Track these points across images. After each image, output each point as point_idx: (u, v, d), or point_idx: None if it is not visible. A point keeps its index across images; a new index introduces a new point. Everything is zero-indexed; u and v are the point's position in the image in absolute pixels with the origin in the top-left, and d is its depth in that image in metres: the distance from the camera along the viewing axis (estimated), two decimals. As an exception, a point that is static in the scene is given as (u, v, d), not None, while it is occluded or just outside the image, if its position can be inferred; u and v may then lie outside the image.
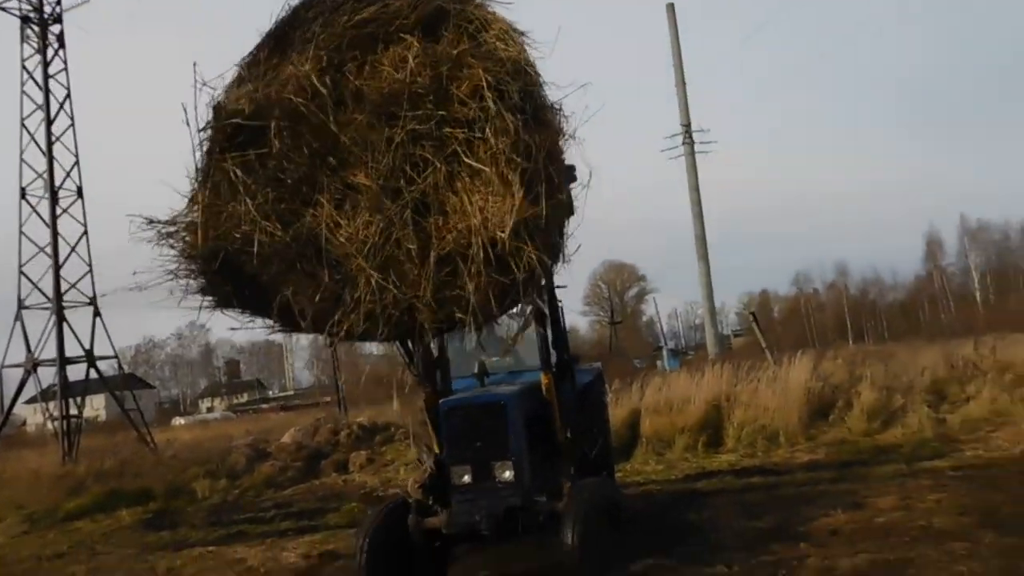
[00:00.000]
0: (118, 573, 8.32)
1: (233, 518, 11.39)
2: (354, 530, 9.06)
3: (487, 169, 3.72)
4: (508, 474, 5.42)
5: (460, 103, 3.72)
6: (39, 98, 21.75)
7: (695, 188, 29.81)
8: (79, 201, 21.83)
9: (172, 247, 3.99)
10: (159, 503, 13.42)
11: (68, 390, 21.34)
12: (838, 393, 14.16)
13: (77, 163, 21.96)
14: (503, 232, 3.63)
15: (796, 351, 18.25)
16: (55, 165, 21.54)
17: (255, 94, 3.62)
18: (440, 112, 3.74)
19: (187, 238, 3.87)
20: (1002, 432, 11.49)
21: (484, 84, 3.70)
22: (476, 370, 6.17)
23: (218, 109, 3.79)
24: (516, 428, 5.50)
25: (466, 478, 5.47)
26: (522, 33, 3.90)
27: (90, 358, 21.56)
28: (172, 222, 3.98)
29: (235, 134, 3.75)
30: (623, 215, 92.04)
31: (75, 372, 21.90)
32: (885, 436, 12.10)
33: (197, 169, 3.87)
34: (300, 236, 3.78)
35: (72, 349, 21.35)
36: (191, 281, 4.09)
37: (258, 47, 3.87)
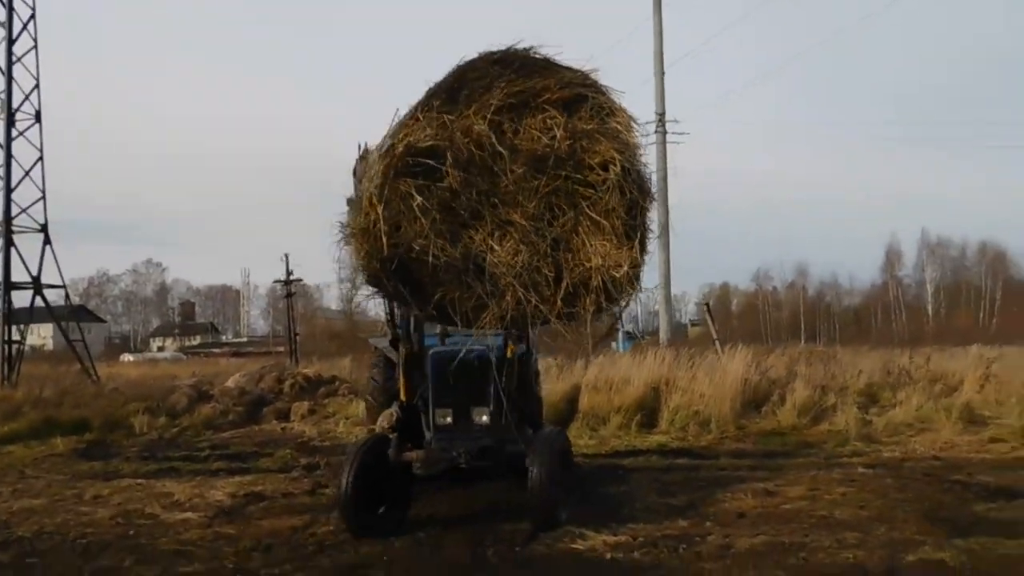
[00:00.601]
0: (43, 496, 8.33)
1: (167, 455, 11.45)
2: (284, 475, 9.33)
3: (605, 222, 4.90)
4: (485, 418, 6.35)
5: (590, 169, 4.85)
6: (2, 16, 21.17)
7: (663, 177, 29.95)
8: (36, 125, 21.35)
9: (357, 248, 4.79)
10: (95, 434, 13.42)
11: (12, 316, 21.01)
12: (774, 387, 14.57)
13: (37, 86, 21.47)
14: (618, 273, 4.93)
15: (748, 345, 18.73)
16: (14, 87, 21.05)
17: (437, 137, 4.49)
18: (577, 175, 4.85)
19: (370, 242, 4.66)
20: (921, 437, 11.97)
21: (614, 160, 4.88)
22: (438, 330, 6.93)
23: (410, 145, 4.56)
24: (493, 379, 6.31)
25: (448, 419, 6.35)
26: (637, 122, 5.10)
27: (36, 285, 21.22)
28: (356, 227, 4.76)
29: (413, 163, 4.58)
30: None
31: (23, 299, 21.59)
32: (812, 432, 12.52)
33: (375, 186, 4.59)
34: (467, 254, 4.73)
35: (20, 275, 21.01)
36: (366, 275, 4.94)
37: (431, 96, 4.68)
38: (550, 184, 4.71)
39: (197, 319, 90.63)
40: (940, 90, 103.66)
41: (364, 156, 6.13)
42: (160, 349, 72.63)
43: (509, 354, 6.42)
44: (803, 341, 51.20)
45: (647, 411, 13.22)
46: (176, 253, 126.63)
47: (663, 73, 31.22)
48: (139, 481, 9.08)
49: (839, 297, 75.55)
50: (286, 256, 44.18)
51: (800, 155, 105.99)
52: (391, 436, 6.46)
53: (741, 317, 74.19)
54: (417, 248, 4.50)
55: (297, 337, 42.91)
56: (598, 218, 4.83)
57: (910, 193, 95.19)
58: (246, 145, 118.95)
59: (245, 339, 79.33)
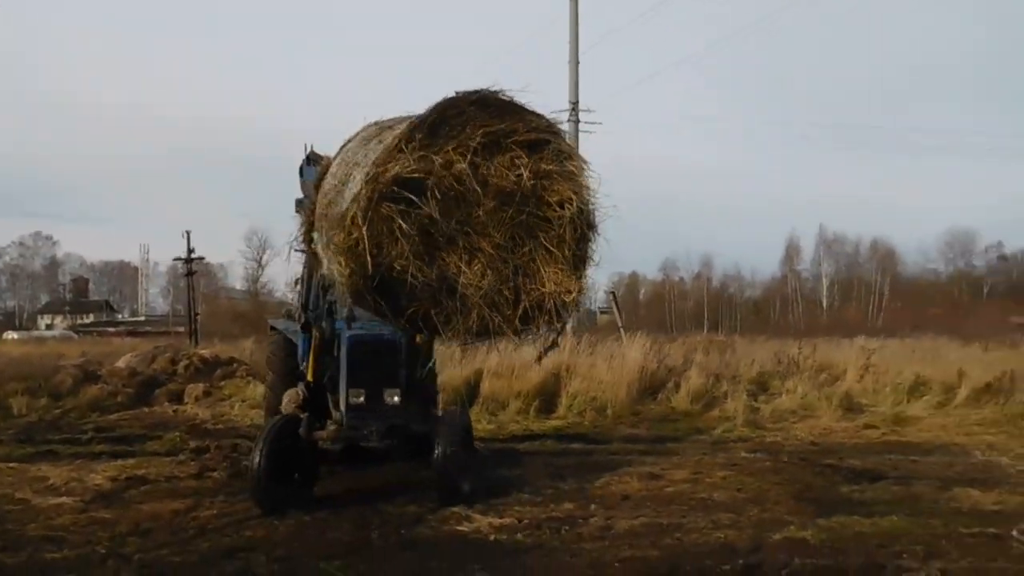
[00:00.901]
0: (-99, 482, 7.82)
1: (47, 438, 10.86)
2: (171, 458, 9.06)
3: (558, 253, 5.49)
4: (396, 399, 6.92)
5: (548, 206, 5.37)
6: None
7: (575, 165, 30.20)
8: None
9: (344, 265, 5.12)
10: (-33, 416, 12.65)
11: None
12: (671, 375, 15.06)
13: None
14: (568, 299, 5.56)
15: (653, 334, 19.07)
16: None
17: (420, 169, 4.92)
18: (537, 211, 5.39)
19: (356, 261, 5.05)
20: (803, 424, 12.62)
21: (571, 199, 5.45)
22: (346, 315, 7.34)
23: (396, 176, 4.96)
24: (403, 363, 7.00)
25: (360, 399, 6.83)
26: (588, 164, 5.70)
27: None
28: (341, 245, 5.10)
29: (395, 190, 4.95)
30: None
31: None
32: (704, 418, 12.99)
33: (360, 208, 4.94)
34: (442, 276, 5.22)
35: None
36: (350, 291, 5.33)
37: (413, 129, 5.03)
38: (515, 218, 5.27)
39: (91, 296, 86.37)
40: (844, 91, 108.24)
41: (312, 159, 6.48)
42: (49, 327, 68.91)
43: (419, 340, 6.89)
44: (706, 330, 53.00)
45: (547, 396, 13.43)
46: (69, 227, 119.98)
47: (578, 62, 31.52)
48: (12, 465, 8.60)
49: (742, 289, 78.43)
50: (187, 233, 42.84)
51: (709, 148, 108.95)
52: (302, 416, 6.84)
53: (648, 306, 75.98)
54: (398, 268, 4.95)
55: (197, 317, 41.63)
56: (553, 249, 5.45)
57: (811, 189, 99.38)
58: (147, 114, 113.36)
59: (143, 318, 76.13)
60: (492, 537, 5.83)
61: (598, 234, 5.89)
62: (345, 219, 4.85)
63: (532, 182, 5.19)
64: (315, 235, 5.60)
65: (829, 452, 9.79)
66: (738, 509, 6.73)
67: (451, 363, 14.77)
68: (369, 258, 4.83)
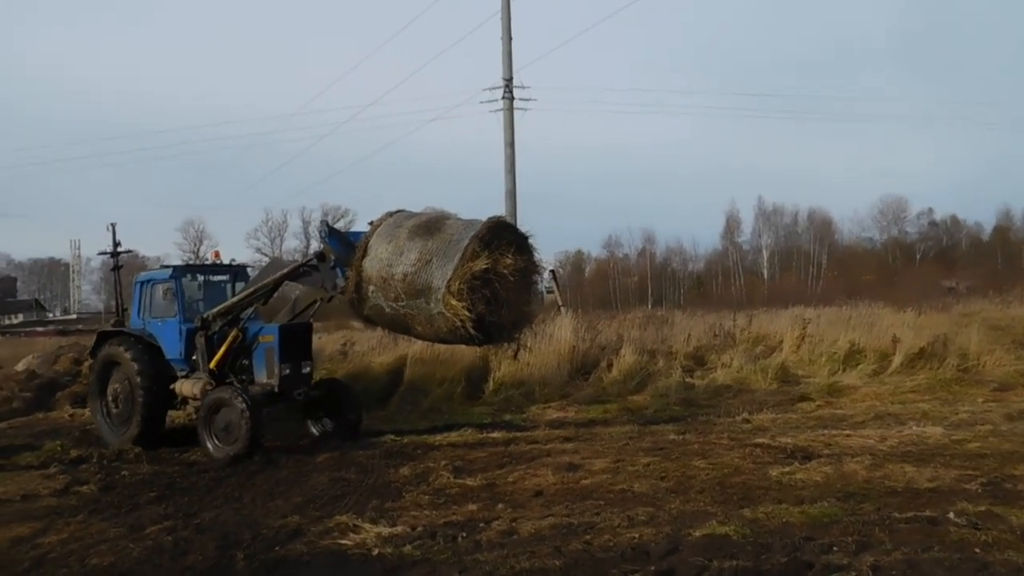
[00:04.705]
0: None
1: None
2: (41, 472, 8.17)
3: (528, 296, 8.71)
4: (308, 369, 9.74)
5: (528, 275, 8.56)
6: None
7: (510, 143, 29.34)
8: None
9: (461, 315, 7.87)
10: None
11: None
12: (604, 353, 14.49)
13: None
14: (534, 319, 9.50)
15: (596, 310, 18.24)
16: None
17: (488, 263, 7.94)
18: (524, 279, 8.49)
19: (464, 313, 7.88)
20: (737, 399, 12.16)
21: (538, 271, 8.94)
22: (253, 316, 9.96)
23: (479, 269, 7.90)
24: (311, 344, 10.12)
25: (288, 371, 9.33)
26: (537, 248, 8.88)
27: None
28: (457, 307, 7.88)
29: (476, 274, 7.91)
30: (440, 163, 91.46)
31: None
32: (636, 398, 12.45)
33: (463, 282, 7.84)
34: (497, 314, 8.14)
35: None
36: (472, 326, 8.02)
37: (479, 239, 7.98)
38: (518, 282, 8.28)
39: (20, 295, 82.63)
40: (775, 62, 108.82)
41: (332, 231, 8.99)
42: (-28, 329, 65.46)
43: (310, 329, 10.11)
44: (650, 305, 52.92)
45: (473, 381, 12.77)
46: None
47: (511, 38, 30.63)
48: None
49: (684, 262, 78.68)
50: (112, 226, 40.80)
51: (645, 123, 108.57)
52: (250, 387, 9.26)
53: (593, 283, 75.72)
54: (484, 313, 7.88)
55: (126, 311, 39.78)
56: (528, 296, 8.62)
57: (749, 162, 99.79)
58: (75, 105, 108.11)
59: (75, 316, 73.04)
60: (376, 551, 5.11)
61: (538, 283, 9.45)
62: (452, 289, 7.78)
63: (523, 265, 8.32)
64: (371, 288, 8.18)
65: (761, 430, 9.31)
66: (658, 501, 6.15)
67: (372, 352, 14.03)
68: (475, 311, 7.76)
